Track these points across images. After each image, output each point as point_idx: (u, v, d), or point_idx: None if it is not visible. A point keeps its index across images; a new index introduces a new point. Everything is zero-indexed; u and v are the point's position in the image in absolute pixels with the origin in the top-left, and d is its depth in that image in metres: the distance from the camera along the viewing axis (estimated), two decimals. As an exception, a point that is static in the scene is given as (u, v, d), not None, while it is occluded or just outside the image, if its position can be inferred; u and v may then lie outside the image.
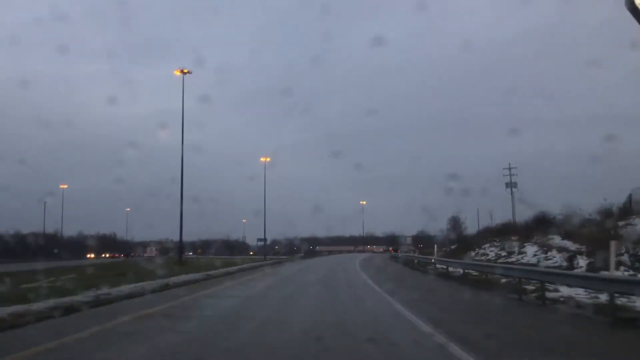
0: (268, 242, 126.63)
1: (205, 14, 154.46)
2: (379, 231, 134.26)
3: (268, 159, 57.76)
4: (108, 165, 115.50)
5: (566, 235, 25.45)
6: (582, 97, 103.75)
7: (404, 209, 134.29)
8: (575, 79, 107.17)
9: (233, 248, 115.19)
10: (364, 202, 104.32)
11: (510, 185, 52.56)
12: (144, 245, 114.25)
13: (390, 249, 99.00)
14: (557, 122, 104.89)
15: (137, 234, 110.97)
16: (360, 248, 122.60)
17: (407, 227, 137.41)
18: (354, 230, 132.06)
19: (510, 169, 53.27)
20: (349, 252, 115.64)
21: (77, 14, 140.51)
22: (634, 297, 11.01)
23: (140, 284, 16.77)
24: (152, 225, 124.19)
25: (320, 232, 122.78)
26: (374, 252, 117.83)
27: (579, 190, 70.68)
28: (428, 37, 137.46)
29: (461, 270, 22.74)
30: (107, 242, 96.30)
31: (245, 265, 35.53)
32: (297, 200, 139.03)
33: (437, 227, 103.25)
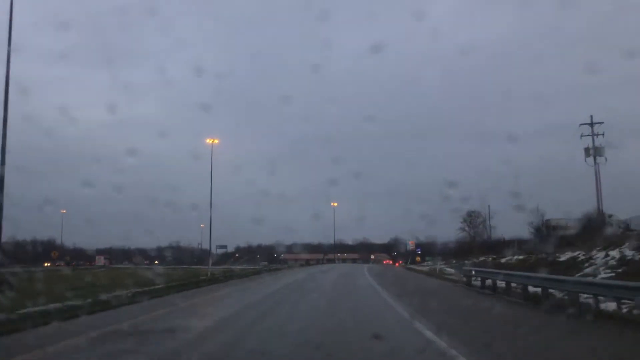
0: (230, 249, 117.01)
1: (204, 19, 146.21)
2: (350, 239, 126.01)
3: (216, 141, 48.94)
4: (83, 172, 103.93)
5: None
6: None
7: (376, 216, 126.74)
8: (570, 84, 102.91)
9: (193, 256, 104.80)
10: (335, 204, 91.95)
11: (593, 151, 32.72)
12: (98, 253, 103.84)
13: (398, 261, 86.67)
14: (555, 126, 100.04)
15: (96, 242, 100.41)
16: (330, 256, 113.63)
17: (380, 234, 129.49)
18: (322, 237, 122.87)
19: (592, 124, 33.20)
20: (318, 261, 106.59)
21: (77, 19, 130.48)
22: None
23: None
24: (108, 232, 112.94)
25: (288, 239, 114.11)
26: (351, 261, 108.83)
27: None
28: (426, 42, 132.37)
29: None
30: (46, 250, 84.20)
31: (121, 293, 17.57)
32: (267, 206, 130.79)
33: (412, 234, 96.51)
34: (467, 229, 57.61)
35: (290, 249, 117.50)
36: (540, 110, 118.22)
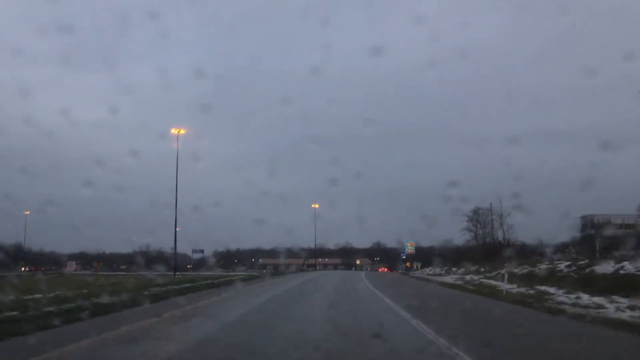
0: (207, 253, 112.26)
1: (204, 21, 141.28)
2: (331, 243, 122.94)
3: (182, 131, 47.09)
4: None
5: None
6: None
7: (359, 220, 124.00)
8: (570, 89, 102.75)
9: (167, 261, 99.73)
10: (317, 205, 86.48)
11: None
12: (65, 258, 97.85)
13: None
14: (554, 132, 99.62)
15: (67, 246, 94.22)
16: (311, 261, 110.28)
17: (361, 239, 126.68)
18: (303, 241, 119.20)
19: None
20: (298, 267, 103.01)
21: (79, 21, 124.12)
22: None
23: None
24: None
25: (269, 243, 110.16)
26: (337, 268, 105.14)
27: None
28: (425, 45, 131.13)
29: None
30: (12, 255, 78.09)
31: None
32: (250, 210, 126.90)
33: (395, 239, 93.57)
34: (473, 228, 53.96)
35: (269, 253, 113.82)
36: (541, 111, 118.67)
